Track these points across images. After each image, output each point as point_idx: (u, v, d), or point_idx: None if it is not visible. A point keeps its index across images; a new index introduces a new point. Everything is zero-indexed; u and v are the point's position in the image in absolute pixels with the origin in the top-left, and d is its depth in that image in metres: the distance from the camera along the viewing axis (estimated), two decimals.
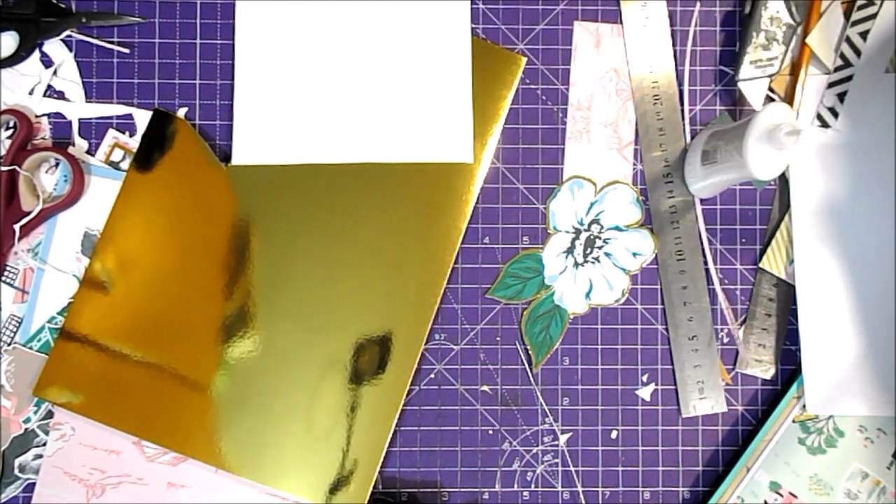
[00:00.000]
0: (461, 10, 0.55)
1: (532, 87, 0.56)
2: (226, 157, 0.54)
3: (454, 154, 0.54)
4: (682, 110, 0.56)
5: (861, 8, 0.54)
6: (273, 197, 0.54)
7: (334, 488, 0.52)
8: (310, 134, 0.54)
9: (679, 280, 0.55)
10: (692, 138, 0.56)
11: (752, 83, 0.55)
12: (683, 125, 0.56)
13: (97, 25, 0.54)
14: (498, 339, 0.55)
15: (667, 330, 0.55)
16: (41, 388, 0.52)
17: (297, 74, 0.54)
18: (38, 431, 0.53)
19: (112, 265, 0.53)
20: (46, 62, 0.54)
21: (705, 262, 0.55)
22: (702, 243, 0.55)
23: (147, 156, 0.53)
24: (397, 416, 0.53)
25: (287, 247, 0.53)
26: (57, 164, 0.54)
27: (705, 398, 0.55)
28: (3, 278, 0.53)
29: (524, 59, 0.55)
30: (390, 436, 0.53)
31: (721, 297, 0.55)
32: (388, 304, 0.53)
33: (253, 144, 0.54)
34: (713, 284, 0.55)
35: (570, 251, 0.55)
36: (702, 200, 0.56)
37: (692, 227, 0.55)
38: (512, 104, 0.55)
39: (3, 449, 0.53)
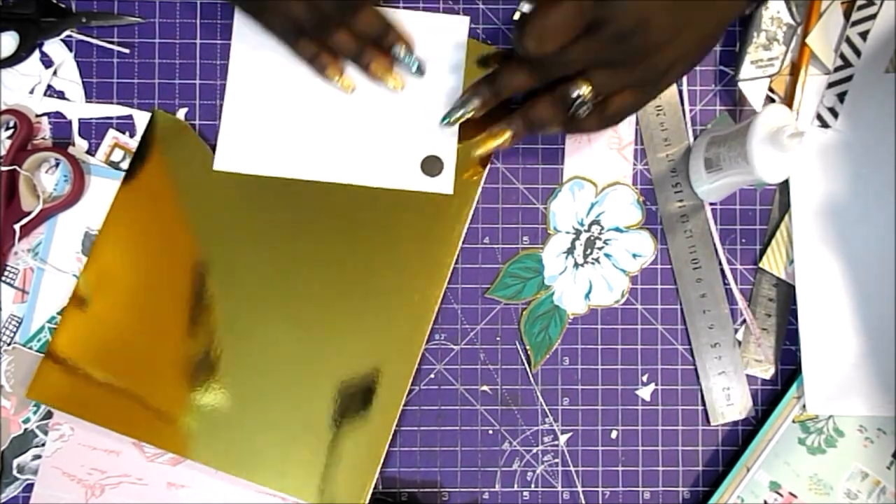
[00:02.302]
0: (457, 40, 0.54)
1: None
2: None
3: (435, 185, 0.54)
4: (684, 111, 0.56)
5: (861, 8, 0.54)
6: (273, 202, 0.54)
7: (334, 489, 0.52)
8: (293, 149, 0.53)
9: (697, 289, 0.55)
10: (695, 139, 0.56)
11: (753, 83, 0.55)
12: (686, 128, 0.56)
13: (97, 25, 0.54)
14: (498, 339, 0.55)
15: (684, 337, 0.55)
16: (34, 391, 0.52)
17: (287, 90, 0.54)
18: (38, 432, 0.53)
19: (109, 269, 0.53)
20: (46, 62, 0.54)
21: (720, 265, 0.55)
22: (716, 250, 0.55)
23: (146, 157, 0.53)
24: (397, 416, 0.53)
25: (288, 248, 0.53)
26: (57, 164, 0.54)
27: (733, 404, 0.55)
28: (3, 278, 0.53)
29: None
30: (391, 436, 0.53)
31: (739, 298, 0.55)
32: (388, 307, 0.53)
33: (237, 152, 0.53)
34: (728, 283, 0.55)
35: (570, 252, 0.55)
36: (710, 203, 0.56)
37: (705, 235, 0.55)
38: None
39: (2, 449, 0.53)
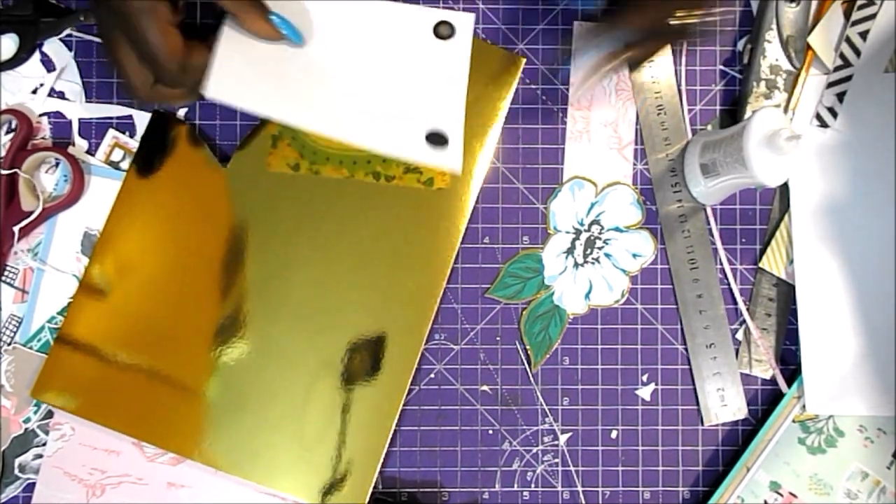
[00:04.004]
0: (464, 27, 0.53)
1: (532, 87, 0.56)
2: (225, 157, 0.54)
3: (441, 157, 0.52)
4: (683, 111, 0.56)
5: (861, 8, 0.54)
6: (271, 199, 0.54)
7: (334, 489, 0.52)
8: (289, 90, 0.50)
9: (694, 289, 0.55)
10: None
11: None
12: (686, 128, 0.56)
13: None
14: (498, 338, 0.55)
15: (684, 338, 0.55)
16: (38, 391, 0.52)
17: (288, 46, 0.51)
18: (38, 431, 0.53)
19: (110, 268, 0.53)
20: (47, 63, 0.54)
21: (719, 265, 0.55)
22: (716, 250, 0.55)
23: (146, 158, 0.53)
24: (397, 416, 0.53)
25: (285, 249, 0.53)
26: (57, 164, 0.54)
27: (726, 405, 0.55)
28: (3, 278, 0.53)
29: (524, 60, 0.55)
30: (390, 436, 0.53)
31: (740, 301, 0.55)
32: (387, 306, 0.53)
33: (230, 82, 0.49)
34: (727, 283, 0.55)
35: (570, 251, 0.55)
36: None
37: (704, 235, 0.55)
38: (512, 104, 0.55)
39: (3, 449, 0.53)
